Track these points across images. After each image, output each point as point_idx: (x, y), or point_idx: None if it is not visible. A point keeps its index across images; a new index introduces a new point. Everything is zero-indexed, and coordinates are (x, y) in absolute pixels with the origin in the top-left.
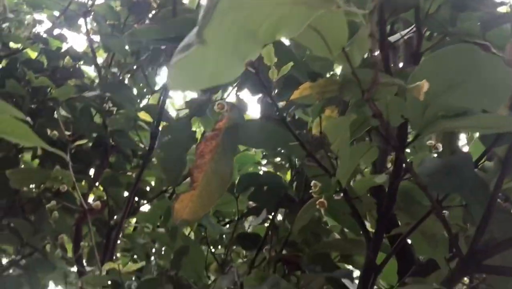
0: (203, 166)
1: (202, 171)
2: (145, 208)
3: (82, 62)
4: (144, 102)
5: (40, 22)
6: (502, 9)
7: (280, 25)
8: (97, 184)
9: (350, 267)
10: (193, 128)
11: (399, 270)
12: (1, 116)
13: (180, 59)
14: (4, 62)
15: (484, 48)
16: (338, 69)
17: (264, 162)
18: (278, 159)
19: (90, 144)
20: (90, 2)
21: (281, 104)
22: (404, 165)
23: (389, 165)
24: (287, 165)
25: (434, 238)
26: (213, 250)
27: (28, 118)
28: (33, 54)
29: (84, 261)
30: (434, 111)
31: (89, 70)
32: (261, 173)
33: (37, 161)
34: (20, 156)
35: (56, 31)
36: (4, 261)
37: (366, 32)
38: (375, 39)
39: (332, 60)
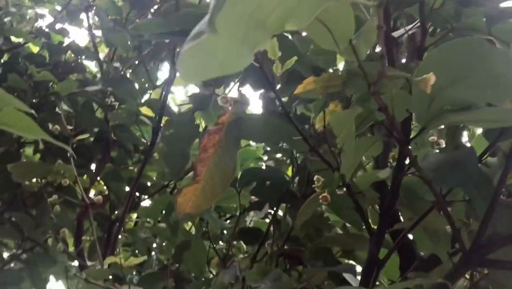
0: (206, 159)
1: (205, 165)
2: (146, 203)
3: (84, 56)
4: (145, 97)
5: (42, 16)
6: (506, 4)
7: (289, 15)
8: (98, 178)
9: (351, 262)
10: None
11: (401, 265)
12: (5, 109)
13: (191, 46)
14: (6, 57)
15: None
16: (340, 65)
17: (265, 158)
18: (279, 155)
19: (92, 139)
20: None
21: (283, 99)
22: (408, 159)
23: (391, 161)
24: (288, 161)
25: (436, 233)
26: (214, 245)
27: (32, 111)
28: (35, 49)
29: (85, 255)
30: (440, 105)
31: (91, 65)
32: (263, 167)
33: (38, 155)
34: (21, 150)
35: (58, 26)
36: (5, 255)
37: (372, 25)
38: (383, 31)
39: (337, 55)
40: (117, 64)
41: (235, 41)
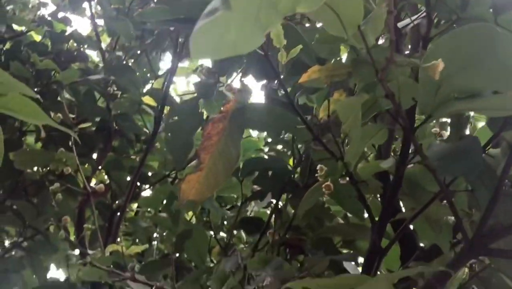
0: (210, 147)
1: (209, 153)
2: (146, 193)
3: (86, 46)
4: (147, 87)
5: (45, 5)
6: None
7: None
8: (100, 167)
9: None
10: None
11: (401, 256)
12: (10, 94)
13: (205, 23)
14: (8, 45)
15: None
16: (343, 57)
17: (266, 149)
18: (280, 147)
19: (94, 128)
20: None
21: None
22: (413, 147)
23: (392, 154)
24: (289, 153)
25: (438, 223)
26: (215, 235)
27: (38, 96)
28: (37, 37)
29: (86, 244)
30: (447, 92)
31: (93, 55)
32: (265, 157)
33: (40, 144)
34: (23, 138)
35: (61, 14)
36: (7, 242)
37: (380, 12)
38: (392, 16)
39: (341, 46)
40: (119, 53)
41: (248, 20)
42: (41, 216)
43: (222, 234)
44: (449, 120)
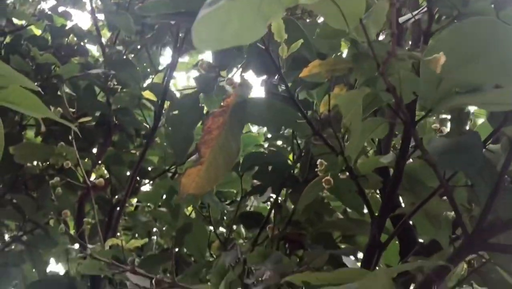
0: (210, 141)
1: (209, 147)
2: (146, 188)
3: (86, 40)
4: (147, 82)
5: None
6: None
7: None
8: (100, 162)
9: None
10: None
11: (401, 251)
12: (11, 86)
13: (207, 12)
14: (8, 38)
15: None
16: (344, 53)
17: (266, 144)
18: (279, 142)
19: (94, 123)
20: None
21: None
22: (413, 142)
23: (392, 150)
24: (289, 148)
25: (437, 218)
26: (215, 230)
27: (38, 89)
28: (37, 31)
29: (86, 238)
30: (448, 86)
31: (93, 49)
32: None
33: (40, 138)
34: (23, 132)
35: (61, 9)
36: (6, 236)
37: (382, 5)
38: (395, 8)
39: (341, 41)
40: (119, 48)
41: (251, 10)
42: (41, 210)
43: (221, 229)
44: (449, 116)
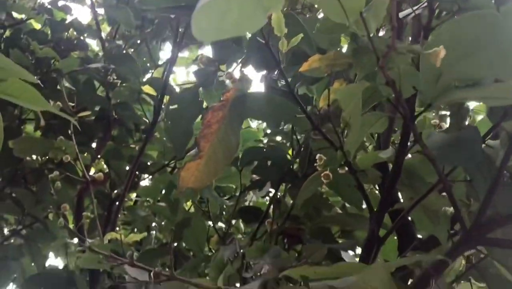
0: (209, 135)
1: (209, 141)
2: (145, 183)
3: (86, 34)
4: (147, 77)
5: None
6: None
7: None
8: (99, 156)
9: None
10: None
11: (399, 247)
12: (10, 79)
13: (207, 2)
14: (8, 32)
15: None
16: (343, 49)
17: (265, 140)
18: (279, 138)
19: (93, 117)
20: None
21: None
22: (412, 136)
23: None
24: (288, 144)
25: (436, 214)
26: (214, 224)
27: (38, 81)
28: (37, 25)
29: (85, 233)
30: (448, 80)
31: (93, 44)
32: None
33: (39, 132)
34: (22, 126)
35: (61, 3)
36: (6, 230)
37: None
38: (395, 2)
39: (343, 35)
40: (119, 42)
41: (249, 1)
42: (40, 204)
43: (220, 224)
44: (448, 112)
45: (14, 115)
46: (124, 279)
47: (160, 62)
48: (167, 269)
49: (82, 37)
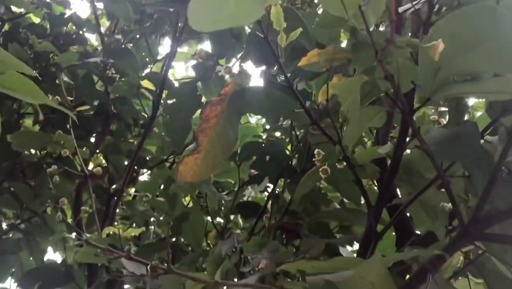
0: (208, 130)
1: (207, 135)
2: (144, 178)
3: (85, 29)
4: (146, 72)
5: None
6: None
7: None
8: (97, 151)
9: None
10: None
11: (397, 242)
12: (8, 72)
13: None
14: (7, 26)
15: None
16: (343, 44)
17: (264, 136)
18: (278, 134)
19: (92, 112)
20: None
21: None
22: (411, 131)
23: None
24: (287, 140)
25: (434, 209)
26: (212, 219)
27: (36, 74)
28: (36, 19)
29: (83, 227)
30: (446, 75)
31: (92, 38)
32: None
33: (38, 126)
34: (21, 121)
35: None
36: (4, 224)
37: None
38: None
39: (343, 31)
40: (118, 37)
41: None
42: (38, 198)
43: (219, 219)
44: (447, 109)
45: (13, 110)
46: (122, 274)
47: (159, 57)
48: (165, 264)
49: (81, 32)
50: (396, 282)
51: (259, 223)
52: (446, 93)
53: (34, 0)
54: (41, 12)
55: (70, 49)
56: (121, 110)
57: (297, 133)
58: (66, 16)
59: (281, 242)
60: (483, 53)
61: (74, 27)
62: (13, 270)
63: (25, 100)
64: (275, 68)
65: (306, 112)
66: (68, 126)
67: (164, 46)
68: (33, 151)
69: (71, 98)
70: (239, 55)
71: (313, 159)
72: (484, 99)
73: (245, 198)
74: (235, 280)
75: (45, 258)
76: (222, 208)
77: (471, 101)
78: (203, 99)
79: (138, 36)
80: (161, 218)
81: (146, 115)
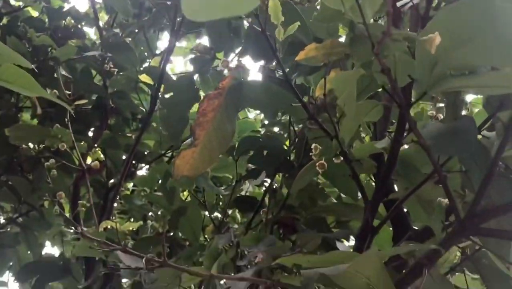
0: (205, 123)
1: (204, 129)
2: (142, 172)
3: (83, 23)
4: (144, 66)
5: None
6: None
7: None
8: (96, 145)
9: None
10: None
11: (394, 237)
12: (5, 65)
13: None
14: (5, 20)
15: None
16: (342, 39)
17: (263, 131)
18: (276, 129)
19: (90, 106)
20: None
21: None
22: (408, 126)
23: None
24: (285, 135)
25: (431, 204)
26: (210, 214)
27: (32, 66)
28: (34, 13)
29: (81, 222)
30: (443, 69)
31: (90, 32)
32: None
33: (36, 120)
34: (19, 115)
35: None
36: (2, 218)
37: None
38: None
39: (341, 25)
40: (117, 31)
41: None
42: (36, 192)
43: (217, 214)
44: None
45: (11, 103)
46: (119, 267)
47: (158, 52)
48: (161, 257)
49: (79, 25)
50: (392, 276)
51: (257, 217)
52: (443, 87)
53: None
54: (40, 5)
55: (68, 43)
56: (119, 105)
57: (295, 128)
58: (64, 9)
59: (278, 236)
60: (480, 47)
61: (72, 21)
62: (11, 263)
63: (21, 93)
64: (274, 63)
65: (303, 107)
66: (66, 120)
67: (163, 41)
68: (31, 145)
69: (69, 92)
70: (237, 50)
71: (310, 154)
72: (482, 96)
73: (243, 193)
74: (232, 274)
75: (43, 252)
76: (220, 202)
77: (470, 97)
78: (202, 94)
79: (136, 30)
80: (159, 213)
81: (144, 110)
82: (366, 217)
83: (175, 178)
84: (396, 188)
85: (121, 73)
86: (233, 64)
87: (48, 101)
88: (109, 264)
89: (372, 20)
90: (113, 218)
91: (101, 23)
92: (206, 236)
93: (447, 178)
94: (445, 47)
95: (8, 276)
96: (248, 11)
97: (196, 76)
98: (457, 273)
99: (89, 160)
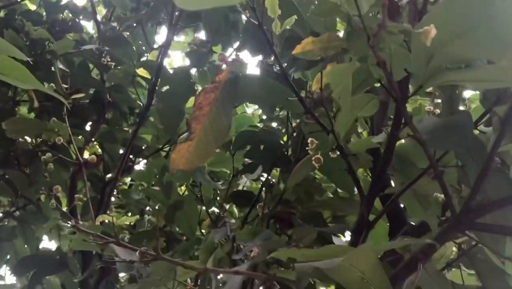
0: (201, 117)
1: (200, 123)
2: (139, 167)
3: (81, 16)
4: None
5: None
6: None
7: None
8: (93, 139)
9: None
10: None
11: (390, 232)
12: (0, 57)
13: None
14: (2, 13)
15: None
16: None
17: (260, 126)
18: (274, 124)
19: (88, 100)
20: None
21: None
22: (404, 120)
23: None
24: (283, 130)
25: (427, 199)
26: (206, 208)
27: (28, 58)
28: (32, 6)
29: (78, 216)
30: (439, 62)
31: (88, 26)
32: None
33: (33, 114)
34: (16, 108)
35: None
36: None
37: None
38: None
39: (339, 19)
40: (114, 24)
41: None
42: (33, 185)
43: (214, 209)
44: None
45: (8, 97)
46: (115, 261)
47: (155, 46)
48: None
49: (77, 19)
50: (387, 271)
51: (253, 211)
52: (439, 81)
53: None
54: None
55: (66, 37)
56: (117, 99)
57: (293, 124)
58: (62, 3)
59: (274, 231)
60: (476, 40)
61: (70, 15)
62: (8, 257)
63: (17, 85)
64: (271, 58)
65: (300, 101)
66: (63, 114)
67: (161, 35)
68: (28, 138)
69: (67, 86)
70: (235, 45)
71: (307, 148)
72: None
73: (240, 187)
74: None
75: (40, 246)
76: (217, 197)
77: (467, 93)
78: (199, 88)
79: (134, 24)
80: (156, 207)
81: (141, 104)
82: (362, 212)
83: (171, 172)
84: (392, 183)
85: (118, 67)
86: (231, 59)
87: (45, 95)
88: (104, 258)
89: (370, 15)
90: (110, 212)
91: (99, 17)
92: (202, 230)
93: (443, 173)
94: (441, 40)
95: (5, 270)
96: (240, 1)
97: (194, 71)
98: (453, 269)
99: (86, 154)
